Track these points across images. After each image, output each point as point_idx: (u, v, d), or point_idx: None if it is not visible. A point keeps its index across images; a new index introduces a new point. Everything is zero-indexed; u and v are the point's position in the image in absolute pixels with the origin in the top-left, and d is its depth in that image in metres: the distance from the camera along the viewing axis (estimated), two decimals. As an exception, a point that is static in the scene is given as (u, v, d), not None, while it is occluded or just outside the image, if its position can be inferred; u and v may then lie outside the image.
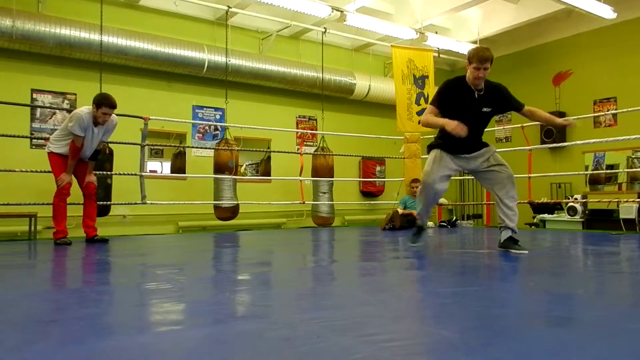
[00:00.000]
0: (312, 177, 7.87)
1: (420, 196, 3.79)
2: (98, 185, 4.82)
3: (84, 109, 4.29)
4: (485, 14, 8.95)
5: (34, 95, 6.70)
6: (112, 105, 4.25)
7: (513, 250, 3.49)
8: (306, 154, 7.90)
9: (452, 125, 3.27)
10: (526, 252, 3.45)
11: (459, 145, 3.53)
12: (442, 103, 3.51)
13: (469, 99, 3.46)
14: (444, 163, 3.61)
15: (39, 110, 6.70)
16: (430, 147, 3.75)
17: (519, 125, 7.16)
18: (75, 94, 6.92)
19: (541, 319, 1.67)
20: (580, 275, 2.78)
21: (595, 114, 8.64)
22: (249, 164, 11.13)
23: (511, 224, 3.51)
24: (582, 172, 8.69)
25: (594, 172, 8.76)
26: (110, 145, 5.93)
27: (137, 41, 6.88)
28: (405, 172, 7.52)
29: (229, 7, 7.41)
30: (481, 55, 3.31)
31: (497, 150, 3.77)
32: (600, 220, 7.33)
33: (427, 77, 7.58)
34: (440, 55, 9.14)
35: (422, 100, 7.42)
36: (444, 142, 3.60)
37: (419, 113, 7.33)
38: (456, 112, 3.41)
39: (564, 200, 8.13)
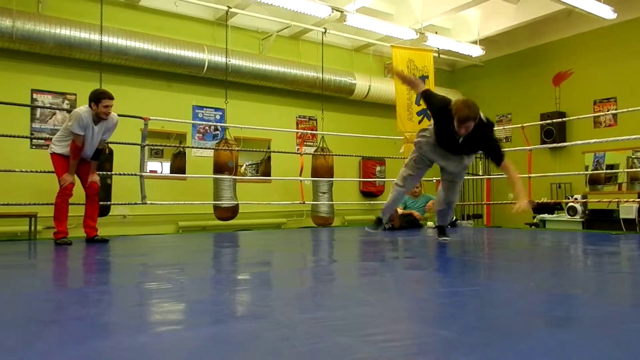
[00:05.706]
0: (312, 177, 7.86)
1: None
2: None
3: (83, 107, 4.29)
4: (485, 14, 8.94)
5: (34, 96, 6.70)
6: (111, 96, 4.30)
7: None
8: (306, 154, 7.89)
9: None
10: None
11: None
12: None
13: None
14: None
15: (39, 110, 6.70)
16: None
17: (519, 125, 7.16)
18: (75, 94, 6.92)
19: (541, 319, 1.67)
20: (580, 275, 2.78)
21: (595, 114, 8.64)
22: (249, 164, 11.11)
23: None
24: (582, 172, 8.68)
25: (594, 172, 8.76)
26: (110, 145, 5.93)
27: (137, 41, 6.88)
28: (405, 172, 7.49)
29: (229, 7, 7.40)
30: (461, 116, 3.42)
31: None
32: (600, 220, 7.32)
33: (427, 77, 7.57)
34: (440, 56, 9.13)
35: (422, 101, 7.40)
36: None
37: (419, 113, 7.34)
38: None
39: (564, 200, 8.12)
